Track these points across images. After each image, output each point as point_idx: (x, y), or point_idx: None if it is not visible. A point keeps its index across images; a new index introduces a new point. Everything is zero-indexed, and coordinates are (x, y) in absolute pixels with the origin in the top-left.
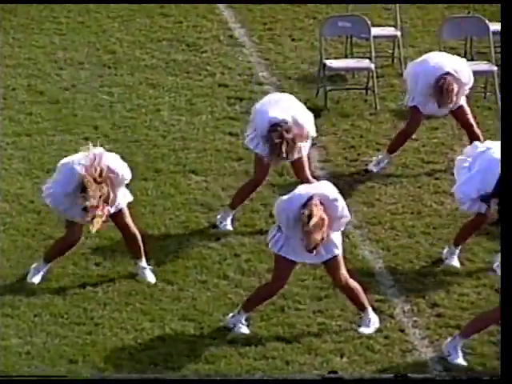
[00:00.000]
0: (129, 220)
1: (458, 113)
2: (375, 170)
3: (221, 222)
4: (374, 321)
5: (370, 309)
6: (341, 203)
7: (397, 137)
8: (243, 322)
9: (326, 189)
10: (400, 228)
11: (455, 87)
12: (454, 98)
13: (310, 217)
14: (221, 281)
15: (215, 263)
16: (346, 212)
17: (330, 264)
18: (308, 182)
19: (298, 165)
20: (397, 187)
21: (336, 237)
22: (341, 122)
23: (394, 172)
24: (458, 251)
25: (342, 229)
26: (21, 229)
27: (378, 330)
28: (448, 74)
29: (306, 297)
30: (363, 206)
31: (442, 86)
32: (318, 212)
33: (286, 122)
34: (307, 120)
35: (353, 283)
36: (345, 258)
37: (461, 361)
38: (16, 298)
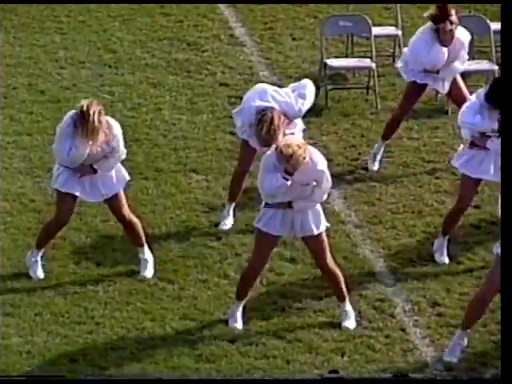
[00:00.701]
0: (125, 209)
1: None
2: (375, 168)
3: (222, 219)
4: (352, 312)
5: (347, 301)
6: None
7: (389, 123)
8: (238, 313)
9: None
10: (401, 227)
11: None
12: None
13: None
14: (221, 280)
15: (216, 262)
16: None
17: (312, 243)
18: None
19: None
20: (397, 186)
21: (315, 215)
22: (342, 121)
23: (394, 171)
24: (446, 242)
25: (322, 198)
26: (21, 228)
27: (379, 329)
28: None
29: (306, 296)
30: (364, 205)
31: None
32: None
33: (273, 109)
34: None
35: (336, 270)
36: (330, 248)
37: (454, 359)
38: (17, 297)
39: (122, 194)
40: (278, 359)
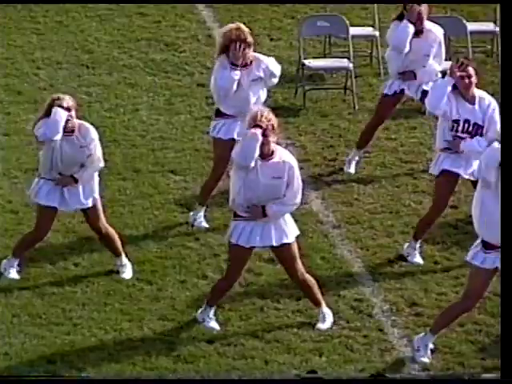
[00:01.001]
0: (102, 222)
1: None
2: (352, 171)
3: (194, 220)
4: (329, 315)
5: (324, 304)
6: None
7: (364, 130)
8: (211, 316)
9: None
10: (379, 227)
11: None
12: None
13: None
14: (200, 280)
15: (194, 263)
16: None
17: (282, 253)
18: None
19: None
20: (375, 187)
21: (287, 224)
22: (319, 121)
23: (372, 172)
24: (418, 246)
25: (296, 200)
26: None
27: (357, 330)
28: None
29: (285, 296)
30: (342, 205)
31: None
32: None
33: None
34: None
35: (309, 278)
36: (302, 255)
37: (426, 359)
38: None
39: (98, 206)
40: (257, 359)
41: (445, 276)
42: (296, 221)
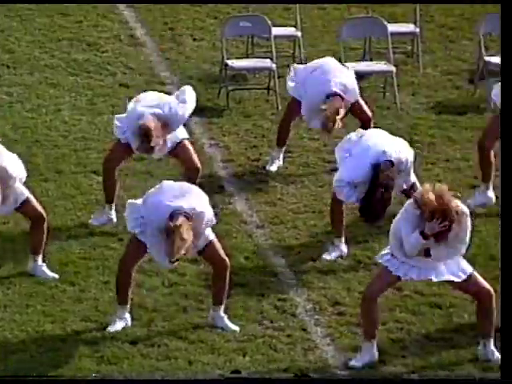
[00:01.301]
0: (35, 204)
1: (355, 109)
2: (273, 170)
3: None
4: (226, 318)
5: (223, 307)
6: (208, 214)
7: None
8: (122, 315)
9: (195, 200)
10: (302, 227)
11: (340, 110)
12: (338, 121)
13: (174, 232)
14: None
15: (117, 264)
16: (212, 219)
17: (206, 252)
18: (194, 167)
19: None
20: (298, 187)
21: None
22: (243, 121)
23: (295, 171)
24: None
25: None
26: None
27: (281, 329)
28: (335, 94)
29: (208, 296)
30: (265, 205)
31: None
32: (184, 230)
33: (151, 116)
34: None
35: (226, 276)
36: (227, 255)
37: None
38: None
39: (30, 196)
40: (180, 360)
41: (367, 275)
42: (220, 221)
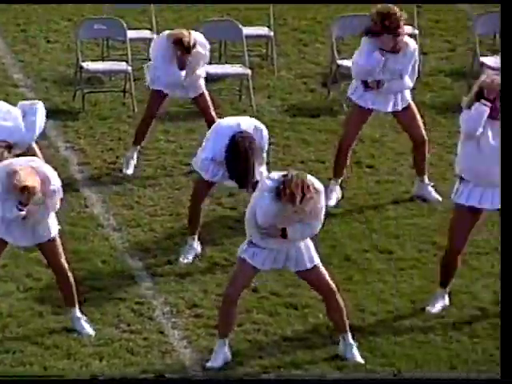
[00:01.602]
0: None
1: (200, 101)
2: (130, 172)
3: None
4: (85, 320)
5: (77, 308)
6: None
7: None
8: None
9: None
10: (159, 230)
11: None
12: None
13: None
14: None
15: None
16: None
17: (45, 248)
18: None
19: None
20: (156, 189)
21: (48, 223)
22: (98, 124)
23: (152, 174)
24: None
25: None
26: None
27: (138, 332)
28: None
29: (62, 300)
30: (122, 208)
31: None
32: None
33: None
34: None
35: (70, 276)
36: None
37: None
38: None
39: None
40: (36, 366)
41: (224, 277)
42: (76, 225)
